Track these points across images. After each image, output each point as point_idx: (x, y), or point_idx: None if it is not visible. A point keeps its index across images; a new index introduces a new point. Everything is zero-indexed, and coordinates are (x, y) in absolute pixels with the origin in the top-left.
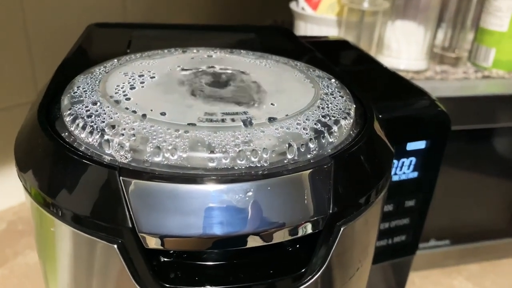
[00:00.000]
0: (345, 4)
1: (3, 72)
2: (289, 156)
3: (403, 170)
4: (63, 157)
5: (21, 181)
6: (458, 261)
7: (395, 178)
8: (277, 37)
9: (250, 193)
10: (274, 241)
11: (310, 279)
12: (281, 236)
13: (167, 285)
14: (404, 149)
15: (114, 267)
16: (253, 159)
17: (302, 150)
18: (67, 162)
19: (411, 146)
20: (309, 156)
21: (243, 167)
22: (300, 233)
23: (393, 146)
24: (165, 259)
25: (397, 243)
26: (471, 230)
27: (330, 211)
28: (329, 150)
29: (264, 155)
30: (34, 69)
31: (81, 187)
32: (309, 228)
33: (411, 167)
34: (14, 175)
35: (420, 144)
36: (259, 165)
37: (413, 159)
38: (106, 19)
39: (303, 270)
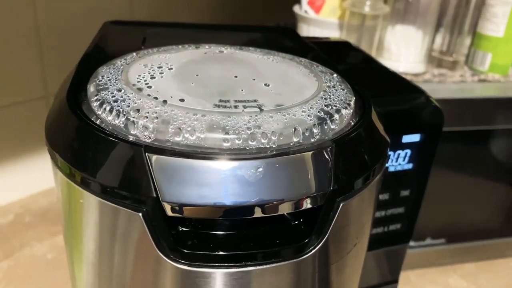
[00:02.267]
0: (347, 8)
1: (13, 69)
2: (295, 139)
3: (399, 161)
4: (94, 136)
5: (52, 160)
6: (454, 260)
7: (391, 169)
8: (282, 37)
9: (260, 169)
10: (280, 212)
11: (312, 249)
12: (286, 208)
13: (185, 251)
14: (399, 142)
15: (137, 234)
16: (263, 140)
17: (307, 135)
18: (98, 140)
19: (406, 139)
20: (312, 140)
21: (254, 147)
22: (304, 206)
23: (389, 136)
24: (183, 229)
25: (392, 231)
26: (467, 229)
27: (331, 188)
28: (331, 135)
29: (273, 138)
30: (44, 66)
31: (110, 162)
32: (311, 202)
33: (406, 159)
34: (22, 169)
35: (415, 137)
36: (268, 146)
37: (408, 151)
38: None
39: (305, 241)
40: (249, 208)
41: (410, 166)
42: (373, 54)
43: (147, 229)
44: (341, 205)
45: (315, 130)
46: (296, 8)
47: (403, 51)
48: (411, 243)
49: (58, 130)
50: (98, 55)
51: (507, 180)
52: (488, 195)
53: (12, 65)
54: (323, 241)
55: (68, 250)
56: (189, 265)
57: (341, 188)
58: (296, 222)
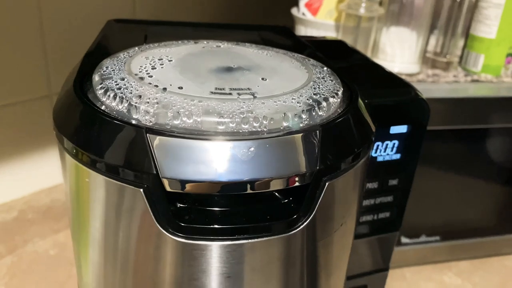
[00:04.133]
0: (343, 10)
1: (17, 68)
2: (285, 124)
3: (387, 151)
4: (99, 119)
5: (60, 143)
6: (448, 257)
7: (379, 159)
8: (278, 35)
9: (252, 149)
10: (270, 189)
11: (300, 225)
12: (276, 185)
13: (182, 224)
14: (387, 133)
15: (139, 209)
16: (255, 124)
17: (296, 120)
18: (103, 123)
19: (394, 130)
20: (301, 125)
21: (246, 130)
22: (292, 184)
23: (377, 127)
24: (181, 205)
25: (382, 219)
26: (461, 227)
27: (318, 167)
28: (318, 121)
29: (264, 122)
30: (48, 65)
31: (114, 143)
32: (299, 180)
33: (394, 149)
34: (26, 166)
35: (402, 129)
36: (259, 130)
37: (396, 142)
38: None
39: (294, 217)
40: (242, 184)
41: (398, 156)
42: (368, 55)
43: (147, 204)
44: (327, 184)
45: (303, 116)
46: (294, 11)
47: (398, 52)
48: (406, 240)
49: (66, 116)
50: (102, 50)
51: (501, 178)
52: (482, 193)
53: (16, 64)
54: (310, 217)
55: (74, 232)
56: (186, 238)
57: (327, 168)
58: (286, 200)
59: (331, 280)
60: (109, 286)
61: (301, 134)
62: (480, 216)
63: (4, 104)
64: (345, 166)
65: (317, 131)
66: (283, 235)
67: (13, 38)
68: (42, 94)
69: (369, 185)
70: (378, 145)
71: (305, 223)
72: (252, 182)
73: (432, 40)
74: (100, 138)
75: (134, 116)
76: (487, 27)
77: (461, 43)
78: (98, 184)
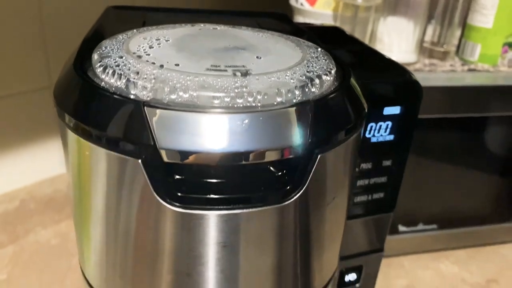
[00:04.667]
0: (341, 0)
1: (17, 59)
2: (278, 99)
3: (381, 132)
4: (99, 94)
5: (61, 119)
6: (445, 246)
7: (373, 140)
8: (275, 21)
9: (246, 121)
10: (264, 160)
11: (293, 196)
12: (269, 156)
13: (180, 194)
14: (381, 114)
15: (138, 180)
16: (249, 99)
17: (289, 95)
18: (103, 98)
19: (387, 111)
20: (294, 100)
21: (241, 105)
22: (285, 156)
23: (371, 108)
24: (178, 177)
25: (376, 199)
26: (458, 216)
27: (310, 140)
28: (311, 97)
29: (258, 97)
30: (48, 56)
31: (114, 117)
32: (292, 152)
33: (388, 130)
34: (27, 157)
35: (395, 110)
36: (254, 104)
37: (389, 123)
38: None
39: (287, 188)
40: (236, 155)
41: (391, 137)
42: None
43: (146, 175)
44: (319, 156)
45: (297, 92)
46: (292, 1)
47: (395, 41)
48: (404, 228)
49: (66, 93)
50: (100, 34)
51: (498, 167)
52: (479, 182)
53: (17, 55)
54: (303, 189)
55: (76, 207)
56: (183, 208)
57: (319, 141)
58: (280, 173)
59: (324, 254)
60: (111, 257)
61: (294, 108)
62: (477, 205)
63: (5, 94)
64: (337, 140)
65: (310, 106)
66: (277, 205)
67: (13, 29)
68: (43, 85)
69: (363, 166)
70: (371, 126)
71: (298, 195)
72: (246, 153)
73: (429, 30)
74: (100, 112)
75: (132, 92)
76: (484, 16)
77: (458, 32)
78: (98, 157)
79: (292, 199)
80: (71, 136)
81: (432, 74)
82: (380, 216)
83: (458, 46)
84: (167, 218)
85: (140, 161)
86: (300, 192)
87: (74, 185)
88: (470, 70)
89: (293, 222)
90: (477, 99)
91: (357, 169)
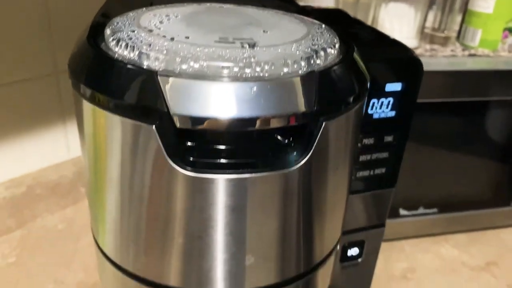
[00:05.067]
0: None
1: (22, 46)
2: (285, 70)
3: (382, 109)
4: (114, 65)
5: (76, 92)
6: (446, 229)
7: (375, 116)
8: (279, 2)
9: (254, 89)
10: (271, 126)
11: (299, 162)
12: (276, 123)
13: (191, 159)
14: (383, 90)
15: (152, 145)
16: (257, 68)
17: (295, 66)
18: (117, 68)
19: (389, 87)
20: (300, 71)
21: (249, 74)
22: (292, 122)
23: (373, 85)
24: (190, 144)
25: (377, 174)
26: (458, 200)
27: (315, 108)
28: (316, 69)
29: (266, 67)
30: (53, 43)
31: (128, 86)
32: (298, 119)
33: (389, 106)
34: (34, 142)
35: (397, 86)
36: (261, 74)
37: (391, 99)
38: None
39: (293, 154)
40: (244, 121)
41: (393, 114)
42: None
43: (159, 140)
44: (324, 123)
45: (302, 63)
46: None
47: (396, 27)
48: (405, 212)
49: (82, 64)
50: (110, 13)
51: (498, 151)
52: (479, 166)
53: (21, 42)
54: (308, 155)
55: (91, 176)
56: (195, 172)
57: (323, 109)
58: (286, 141)
59: (327, 222)
60: (124, 223)
61: (300, 77)
62: (477, 189)
63: (11, 81)
64: (341, 109)
65: (315, 75)
66: (283, 171)
67: (18, 16)
68: (48, 71)
69: (366, 141)
70: (374, 102)
71: (304, 161)
72: (253, 119)
73: (430, 16)
74: (115, 82)
75: (144, 63)
76: (485, 2)
77: (459, 18)
78: (114, 125)
79: (298, 165)
80: (87, 106)
81: (433, 59)
82: (381, 192)
83: (459, 32)
84: (179, 182)
85: (154, 127)
86: (306, 159)
87: (89, 155)
88: (470, 55)
89: (298, 188)
90: (478, 84)
91: (359, 145)
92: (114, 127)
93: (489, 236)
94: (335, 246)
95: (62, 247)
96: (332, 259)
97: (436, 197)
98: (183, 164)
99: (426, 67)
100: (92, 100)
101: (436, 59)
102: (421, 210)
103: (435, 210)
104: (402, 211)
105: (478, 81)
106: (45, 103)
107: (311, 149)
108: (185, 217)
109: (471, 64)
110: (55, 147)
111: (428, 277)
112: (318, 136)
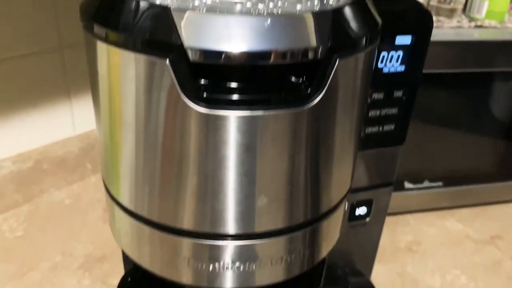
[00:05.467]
0: None
1: (26, 20)
2: (298, 6)
3: (392, 63)
4: (126, 1)
5: (89, 33)
6: (451, 203)
7: (385, 70)
8: None
9: (268, 22)
10: (284, 61)
11: (312, 100)
12: (289, 57)
13: (205, 94)
14: (393, 43)
15: (166, 81)
16: (270, 4)
17: (308, 4)
18: (130, 4)
19: (399, 40)
20: (313, 9)
21: (262, 10)
22: (304, 58)
23: (383, 37)
24: (204, 81)
25: (386, 131)
26: (463, 173)
27: (329, 44)
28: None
29: (279, 3)
30: (58, 17)
31: (142, 21)
32: (312, 54)
33: (399, 60)
34: (41, 117)
35: (407, 39)
36: (274, 10)
37: (401, 52)
38: None
39: (306, 93)
40: (258, 54)
41: (402, 68)
42: None
43: (173, 75)
44: (337, 60)
45: (315, 1)
46: None
47: None
48: (410, 185)
49: (93, 5)
50: None
51: (504, 124)
52: (485, 140)
53: (26, 16)
54: (321, 94)
55: (103, 118)
56: (208, 107)
57: (337, 46)
58: (300, 80)
59: (336, 172)
60: (139, 164)
61: (314, 13)
62: (482, 162)
63: (16, 55)
64: (355, 48)
65: (329, 13)
66: (296, 108)
67: None
68: (53, 45)
69: (375, 96)
70: (383, 56)
71: (317, 99)
72: (267, 53)
73: None
74: (128, 18)
75: (157, 2)
76: None
77: None
78: (128, 62)
79: (312, 103)
80: (100, 47)
81: (439, 30)
82: (390, 149)
83: (465, 4)
84: (193, 119)
85: (167, 61)
86: (320, 97)
87: (103, 98)
88: (477, 26)
89: (309, 128)
90: (484, 54)
91: (369, 100)
92: (129, 65)
93: (493, 210)
94: (343, 198)
95: (70, 221)
96: (340, 212)
97: (441, 171)
98: (197, 100)
99: (432, 38)
100: (106, 39)
101: (442, 30)
102: (426, 184)
103: (440, 183)
104: (407, 184)
105: (485, 52)
106: (50, 77)
107: (324, 87)
108: (199, 155)
109: (477, 35)
110: (60, 123)
111: (433, 249)
112: (332, 74)
